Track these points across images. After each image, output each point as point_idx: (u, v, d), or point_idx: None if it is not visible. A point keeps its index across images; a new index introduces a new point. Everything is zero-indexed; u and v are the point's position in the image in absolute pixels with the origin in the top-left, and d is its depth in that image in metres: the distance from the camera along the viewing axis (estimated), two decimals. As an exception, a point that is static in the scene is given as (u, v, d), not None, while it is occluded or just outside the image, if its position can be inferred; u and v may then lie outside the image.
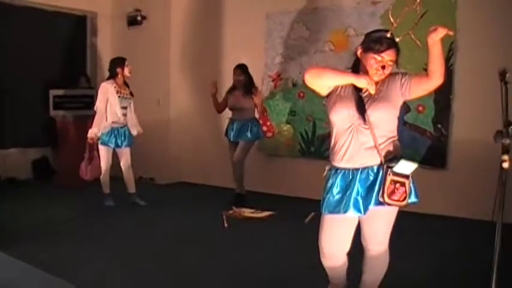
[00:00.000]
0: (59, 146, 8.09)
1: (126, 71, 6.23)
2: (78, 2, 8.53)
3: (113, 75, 6.25)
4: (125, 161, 6.38)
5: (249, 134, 6.56)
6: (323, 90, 2.87)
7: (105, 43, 8.96)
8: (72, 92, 8.01)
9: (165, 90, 8.19)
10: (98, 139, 6.19)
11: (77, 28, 8.90)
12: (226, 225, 5.54)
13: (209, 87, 6.70)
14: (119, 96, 6.18)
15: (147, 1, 8.30)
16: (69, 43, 8.80)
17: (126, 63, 6.25)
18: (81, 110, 7.82)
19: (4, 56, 7.83)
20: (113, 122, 6.17)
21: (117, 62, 6.28)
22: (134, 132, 6.40)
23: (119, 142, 6.24)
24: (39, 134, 8.35)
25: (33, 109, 8.20)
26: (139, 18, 8.35)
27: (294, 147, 7.17)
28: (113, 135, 6.19)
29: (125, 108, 6.26)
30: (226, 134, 6.79)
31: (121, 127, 6.26)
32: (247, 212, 6.09)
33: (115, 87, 6.18)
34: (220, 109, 6.85)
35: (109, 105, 6.14)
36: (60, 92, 7.93)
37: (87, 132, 6.16)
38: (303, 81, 2.92)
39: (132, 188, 6.50)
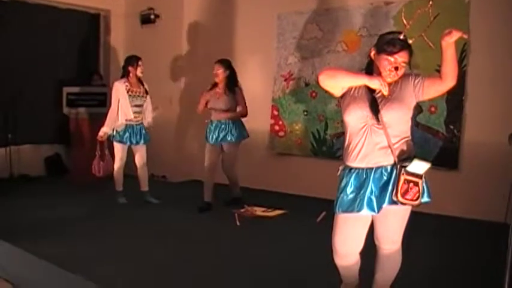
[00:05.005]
0: (72, 143, 8.13)
1: (139, 71, 6.24)
2: (91, 0, 8.60)
3: (125, 74, 6.30)
4: (140, 159, 6.41)
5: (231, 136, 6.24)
6: (337, 91, 2.90)
7: (118, 41, 9.02)
8: (85, 90, 8.03)
9: (178, 89, 8.25)
10: (110, 137, 6.26)
11: (90, 26, 8.98)
12: (238, 223, 5.57)
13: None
14: (130, 95, 6.20)
15: (161, 0, 8.36)
16: (83, 41, 8.87)
17: (140, 62, 6.26)
18: (95, 108, 7.83)
19: (18, 53, 7.90)
20: (126, 120, 6.21)
21: (130, 61, 6.30)
22: (145, 123, 6.42)
23: (133, 140, 6.25)
24: (52, 131, 8.43)
25: (46, 106, 8.28)
26: (152, 16, 8.40)
27: (306, 146, 7.18)
28: (127, 132, 6.22)
29: (138, 106, 6.28)
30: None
31: (136, 125, 6.28)
32: (259, 211, 6.11)
33: (126, 85, 6.20)
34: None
35: (120, 105, 6.19)
36: (73, 89, 7.97)
37: (100, 130, 6.22)
38: (316, 81, 2.94)
39: (145, 186, 6.54)
